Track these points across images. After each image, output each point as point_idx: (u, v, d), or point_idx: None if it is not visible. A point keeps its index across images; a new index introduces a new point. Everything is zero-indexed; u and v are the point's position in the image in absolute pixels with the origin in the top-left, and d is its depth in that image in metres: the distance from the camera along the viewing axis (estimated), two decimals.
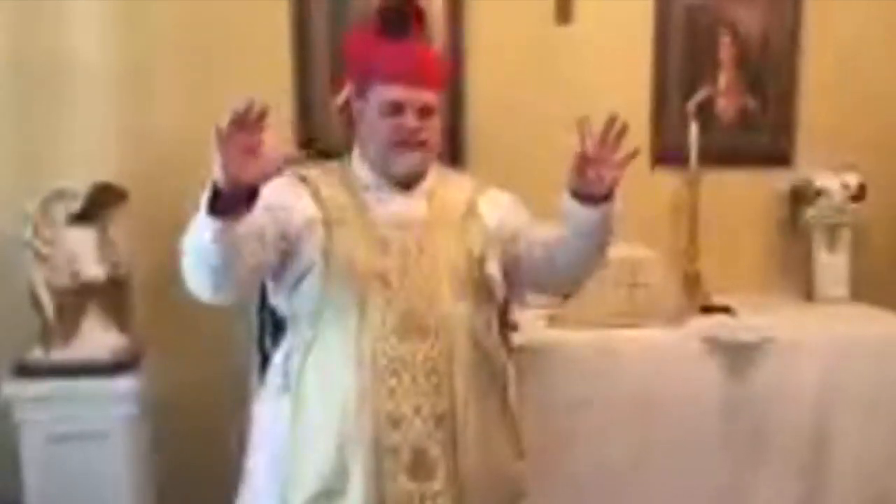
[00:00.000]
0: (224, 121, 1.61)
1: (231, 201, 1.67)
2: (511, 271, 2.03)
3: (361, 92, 2.00)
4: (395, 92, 1.94)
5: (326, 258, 1.92)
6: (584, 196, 1.83)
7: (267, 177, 1.69)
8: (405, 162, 1.98)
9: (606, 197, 1.82)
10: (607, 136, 1.78)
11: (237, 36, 3.01)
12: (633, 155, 1.80)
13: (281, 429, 1.96)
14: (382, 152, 1.99)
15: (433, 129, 2.00)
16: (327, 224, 1.94)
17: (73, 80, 2.95)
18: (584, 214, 1.84)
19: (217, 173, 1.65)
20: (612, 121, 1.77)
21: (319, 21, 3.07)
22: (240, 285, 1.85)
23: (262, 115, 1.63)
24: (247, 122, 1.62)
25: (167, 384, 2.83)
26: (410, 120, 1.95)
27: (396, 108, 1.95)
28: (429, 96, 1.97)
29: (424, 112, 1.97)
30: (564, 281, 2.06)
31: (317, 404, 1.91)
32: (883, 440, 2.86)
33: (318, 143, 2.90)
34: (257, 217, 1.74)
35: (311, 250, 1.92)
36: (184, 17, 2.98)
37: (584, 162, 1.80)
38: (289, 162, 1.74)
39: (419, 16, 2.02)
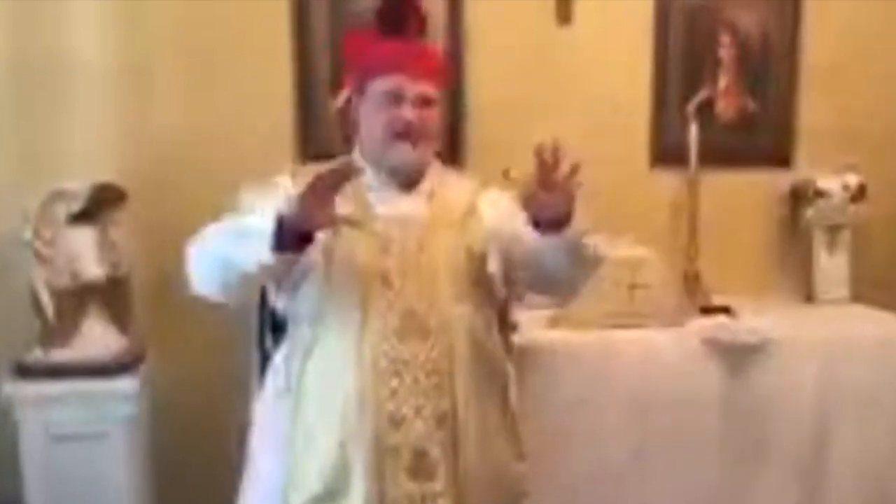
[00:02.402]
0: (325, 169, 1.71)
1: (292, 238, 1.74)
2: (510, 272, 2.02)
3: (361, 89, 2.01)
4: (393, 81, 1.95)
5: (328, 258, 1.92)
6: (544, 223, 1.80)
7: (328, 225, 1.78)
8: (401, 153, 1.98)
9: (559, 227, 1.79)
10: (545, 165, 1.74)
11: (237, 36, 3.01)
12: (574, 171, 1.75)
13: (282, 429, 1.96)
14: (379, 144, 1.99)
15: (431, 122, 2.00)
16: None
17: (73, 80, 2.95)
18: (547, 242, 1.83)
19: (288, 210, 1.72)
20: (539, 151, 1.74)
21: (319, 21, 3.07)
22: (250, 294, 1.97)
23: (351, 173, 1.73)
24: (338, 179, 1.71)
25: (167, 384, 2.83)
26: (408, 110, 1.95)
27: (394, 98, 1.95)
28: (426, 87, 1.98)
29: (422, 102, 1.97)
30: (559, 283, 2.04)
31: (318, 405, 1.92)
32: (882, 441, 2.86)
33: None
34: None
35: (312, 251, 1.92)
36: (184, 17, 2.98)
37: (531, 199, 1.78)
38: (347, 221, 1.83)
39: (418, 15, 2.02)
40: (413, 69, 1.97)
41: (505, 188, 1.91)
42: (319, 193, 1.70)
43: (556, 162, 1.73)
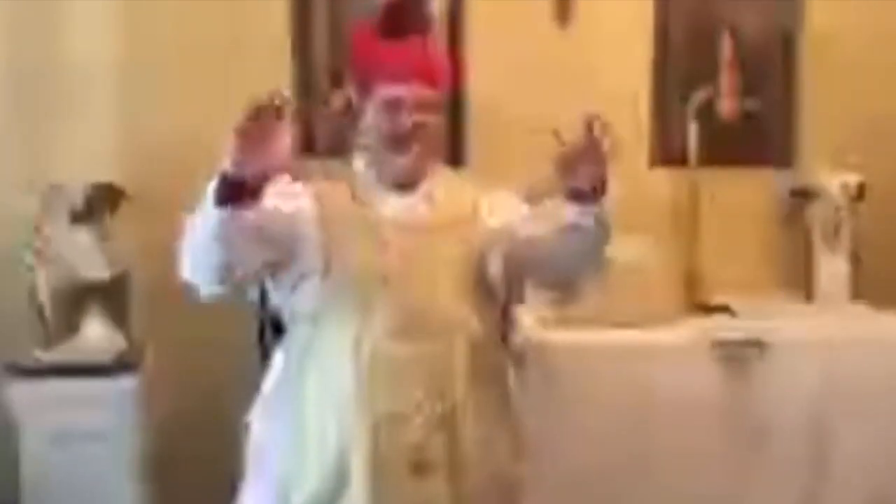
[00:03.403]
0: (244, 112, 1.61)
1: (236, 191, 1.66)
2: (512, 267, 2.01)
3: (364, 91, 2.00)
4: (396, 89, 1.94)
5: (326, 260, 1.92)
6: (572, 194, 1.78)
7: (275, 170, 1.67)
8: (405, 160, 1.98)
9: (594, 197, 1.77)
10: (589, 135, 1.73)
11: (237, 36, 3.01)
12: (615, 147, 1.73)
13: (281, 428, 1.96)
14: (383, 149, 1.98)
15: (434, 129, 2.00)
16: (327, 225, 1.94)
17: (72, 80, 2.96)
18: (573, 213, 1.79)
19: (227, 161, 1.64)
20: (590, 123, 1.73)
21: (319, 21, 3.07)
22: (238, 282, 1.86)
23: (281, 107, 1.63)
24: (265, 113, 1.62)
25: (167, 384, 2.83)
26: (408, 117, 1.95)
27: (395, 106, 1.95)
28: (429, 94, 1.97)
29: (425, 110, 1.96)
30: (564, 275, 2.01)
31: (317, 404, 1.91)
32: (883, 440, 2.86)
33: None
34: (260, 215, 1.73)
35: (310, 252, 1.92)
36: (184, 16, 2.99)
37: (564, 163, 1.75)
38: (298, 167, 1.75)
39: (423, 15, 2.01)
40: (419, 78, 1.95)
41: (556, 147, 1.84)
42: (247, 131, 1.61)
43: (601, 137, 1.72)
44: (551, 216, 1.85)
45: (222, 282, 1.82)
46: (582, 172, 1.75)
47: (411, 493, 1.89)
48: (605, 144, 1.73)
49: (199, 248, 1.76)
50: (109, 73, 2.98)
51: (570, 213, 1.80)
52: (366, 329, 1.90)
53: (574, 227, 1.81)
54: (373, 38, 1.99)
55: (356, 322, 1.90)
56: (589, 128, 1.73)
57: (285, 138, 1.65)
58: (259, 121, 1.61)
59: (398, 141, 1.96)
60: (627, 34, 3.22)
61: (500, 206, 2.06)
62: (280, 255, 1.89)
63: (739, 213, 3.31)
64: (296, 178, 1.93)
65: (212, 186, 1.67)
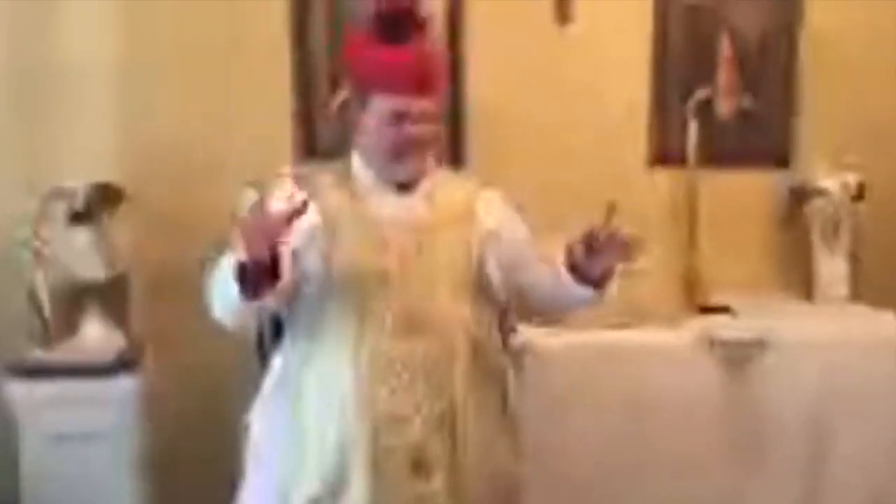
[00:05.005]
0: (247, 209, 1.74)
1: (255, 273, 1.74)
2: (508, 284, 2.05)
3: (362, 100, 1.99)
4: (396, 102, 1.93)
5: (327, 262, 1.92)
6: (579, 274, 1.90)
7: (282, 242, 1.76)
8: (406, 169, 1.99)
9: (599, 283, 1.90)
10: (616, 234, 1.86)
11: (237, 36, 3.01)
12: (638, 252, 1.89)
13: (281, 428, 1.97)
14: (384, 159, 1.99)
15: (435, 135, 2.00)
16: (327, 228, 1.94)
17: (72, 80, 2.95)
18: (576, 291, 1.92)
19: (240, 254, 1.74)
20: (611, 209, 1.87)
21: (319, 22, 3.07)
22: (255, 322, 2.01)
23: (297, 214, 1.74)
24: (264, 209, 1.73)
25: (167, 384, 2.83)
26: (411, 128, 1.95)
27: (398, 118, 1.94)
28: (429, 103, 1.97)
29: (425, 119, 1.96)
30: (556, 314, 2.18)
31: (316, 404, 1.92)
32: (883, 440, 2.86)
33: None
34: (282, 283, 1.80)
35: (311, 255, 1.92)
36: (184, 16, 2.98)
37: (588, 245, 1.86)
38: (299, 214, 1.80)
39: (417, 20, 2.00)
40: (414, 88, 1.94)
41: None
42: (255, 230, 1.72)
43: (622, 243, 1.86)
44: (560, 284, 1.94)
45: (244, 323, 1.94)
46: (601, 260, 1.87)
47: (411, 492, 1.90)
48: (632, 250, 1.87)
49: (227, 303, 1.84)
50: (109, 74, 2.98)
51: (579, 291, 1.91)
52: (365, 329, 1.91)
53: (579, 301, 1.96)
54: (368, 45, 1.98)
55: (356, 322, 1.91)
56: (610, 214, 1.85)
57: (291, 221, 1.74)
58: (261, 216, 1.72)
59: (400, 151, 1.96)
60: (627, 34, 3.22)
61: (495, 207, 2.07)
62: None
63: (739, 213, 3.31)
64: (300, 188, 1.95)
65: (231, 275, 1.75)
